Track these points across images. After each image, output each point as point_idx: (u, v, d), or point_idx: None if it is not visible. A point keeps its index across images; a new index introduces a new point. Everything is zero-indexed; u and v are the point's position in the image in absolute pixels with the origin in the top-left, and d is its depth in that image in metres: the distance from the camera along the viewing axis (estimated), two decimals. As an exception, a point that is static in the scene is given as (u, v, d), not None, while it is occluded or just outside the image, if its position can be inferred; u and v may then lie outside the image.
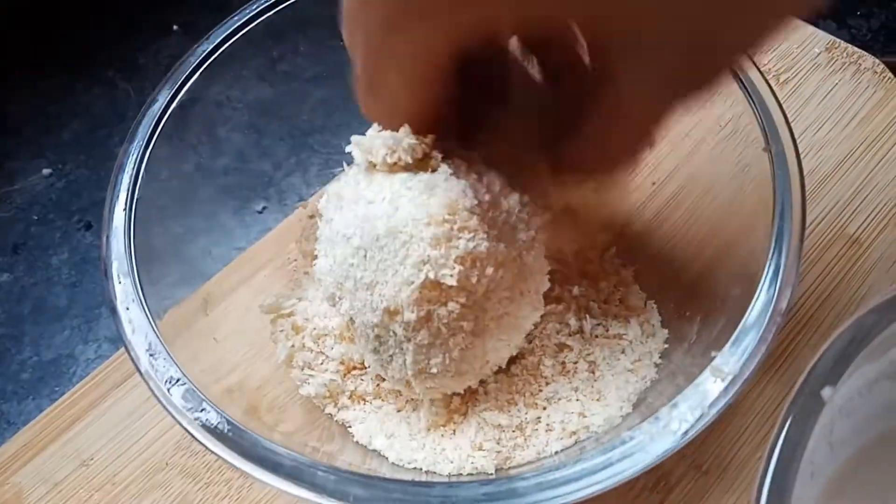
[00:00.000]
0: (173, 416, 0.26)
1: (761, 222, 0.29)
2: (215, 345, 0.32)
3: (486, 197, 0.27)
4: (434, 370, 0.28)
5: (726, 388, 0.24)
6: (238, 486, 0.37)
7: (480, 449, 0.30)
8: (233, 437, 0.25)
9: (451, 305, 0.26)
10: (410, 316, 0.26)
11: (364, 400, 0.34)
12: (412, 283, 0.26)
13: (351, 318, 0.29)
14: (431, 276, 0.26)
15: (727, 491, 0.34)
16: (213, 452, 0.25)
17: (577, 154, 0.27)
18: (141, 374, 0.27)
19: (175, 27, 0.59)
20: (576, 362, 0.32)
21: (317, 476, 0.24)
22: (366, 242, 0.27)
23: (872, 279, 0.39)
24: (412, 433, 0.32)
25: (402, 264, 0.26)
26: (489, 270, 0.26)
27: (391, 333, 0.27)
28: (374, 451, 0.32)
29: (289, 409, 0.34)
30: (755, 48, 0.23)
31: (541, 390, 0.32)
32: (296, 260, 0.40)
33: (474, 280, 0.26)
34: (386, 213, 0.27)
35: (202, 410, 0.26)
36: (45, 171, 0.53)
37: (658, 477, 0.35)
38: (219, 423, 0.25)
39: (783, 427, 0.23)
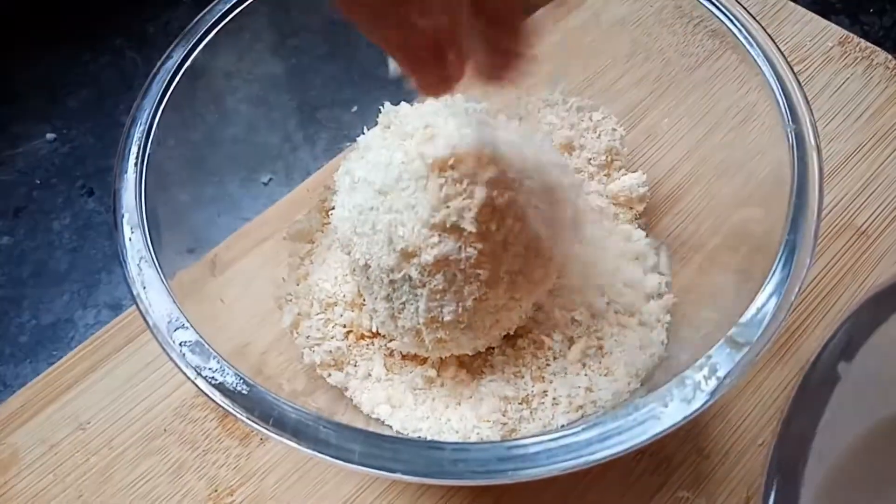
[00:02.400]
0: (181, 369, 0.25)
1: (776, 205, 0.29)
2: (222, 307, 0.32)
3: (521, 152, 0.27)
4: (447, 317, 0.28)
5: (741, 360, 0.24)
6: (236, 454, 0.37)
7: (486, 420, 0.30)
8: (239, 392, 0.25)
9: (469, 251, 0.26)
10: (427, 258, 0.26)
11: (369, 373, 0.34)
12: (431, 223, 0.26)
13: (366, 264, 0.28)
14: (452, 219, 0.26)
15: (728, 475, 0.34)
16: (218, 404, 0.25)
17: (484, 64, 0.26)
18: (149, 326, 0.26)
19: (185, -4, 0.58)
20: (584, 337, 0.32)
21: (328, 434, 0.24)
22: (388, 184, 0.27)
23: (879, 271, 0.39)
24: (417, 403, 0.32)
25: (423, 206, 0.26)
26: (509, 221, 0.26)
27: (406, 278, 0.27)
28: (378, 419, 0.32)
29: (293, 377, 0.34)
30: None
31: (548, 364, 0.32)
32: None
33: (493, 228, 0.26)
34: (411, 155, 0.26)
35: (209, 367, 0.25)
36: (49, 136, 0.52)
37: (660, 460, 0.35)
38: (225, 377, 0.25)
39: (798, 400, 0.23)
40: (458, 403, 0.31)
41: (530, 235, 0.28)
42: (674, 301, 0.34)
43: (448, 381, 0.32)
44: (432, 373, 0.33)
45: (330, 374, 0.34)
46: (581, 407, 0.31)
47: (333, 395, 0.34)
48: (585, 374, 0.32)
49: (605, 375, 0.31)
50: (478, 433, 0.29)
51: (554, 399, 0.31)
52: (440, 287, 0.27)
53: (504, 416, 0.30)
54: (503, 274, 0.28)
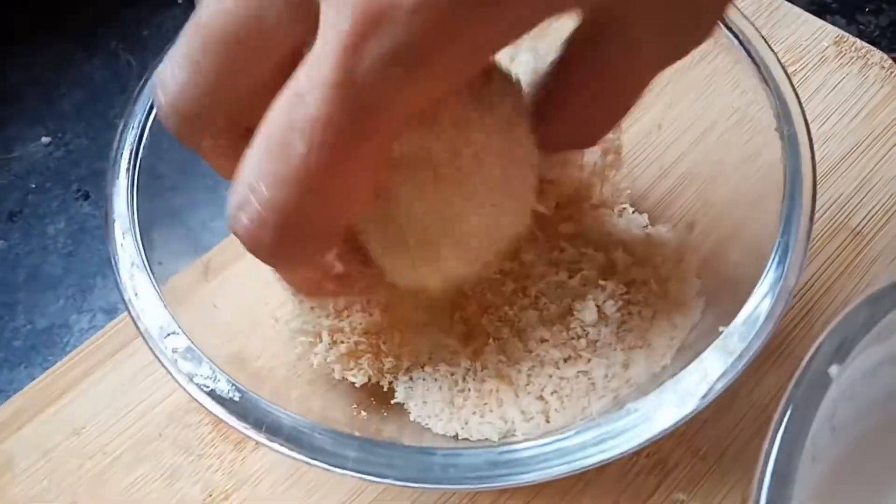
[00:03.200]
0: (172, 376, 0.25)
1: (770, 207, 0.29)
2: (216, 312, 0.32)
3: None
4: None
5: (734, 362, 0.24)
6: (231, 459, 0.37)
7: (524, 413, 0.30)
8: (231, 399, 0.25)
9: None
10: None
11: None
12: None
13: None
14: None
15: (724, 476, 0.34)
16: (210, 412, 0.25)
17: (566, 123, 0.25)
18: (140, 332, 0.26)
19: (179, 0, 0.58)
20: (611, 300, 0.32)
21: (322, 440, 0.23)
22: None
23: (874, 272, 0.39)
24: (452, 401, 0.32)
25: None
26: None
27: None
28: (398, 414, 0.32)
29: (290, 381, 0.34)
30: None
31: (580, 336, 0.31)
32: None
33: None
34: None
35: (201, 373, 0.25)
36: (45, 140, 0.52)
37: (655, 461, 0.35)
38: (217, 384, 0.25)
39: (790, 402, 0.23)
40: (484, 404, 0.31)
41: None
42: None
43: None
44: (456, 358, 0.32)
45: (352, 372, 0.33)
46: (616, 389, 0.30)
47: (336, 395, 0.34)
48: (621, 349, 0.31)
49: (641, 347, 0.31)
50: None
51: (590, 381, 0.30)
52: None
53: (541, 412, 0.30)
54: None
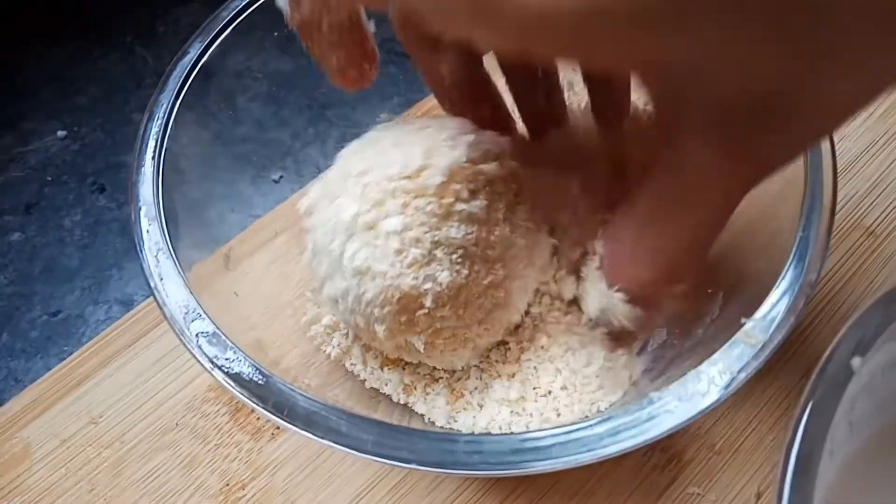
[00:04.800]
0: (196, 359, 0.26)
1: (788, 204, 0.29)
2: (236, 300, 0.32)
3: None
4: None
5: (757, 354, 0.24)
6: (248, 448, 0.37)
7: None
8: (255, 382, 0.25)
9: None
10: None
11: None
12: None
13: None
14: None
15: (739, 471, 0.35)
16: (235, 394, 0.25)
17: (618, 257, 0.24)
18: (165, 316, 0.26)
19: (197, -9, 0.58)
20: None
21: (339, 423, 0.24)
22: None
23: (888, 271, 0.39)
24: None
25: None
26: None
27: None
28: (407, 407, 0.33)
29: (309, 369, 0.34)
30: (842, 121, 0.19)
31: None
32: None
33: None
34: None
35: (226, 357, 0.26)
36: (60, 134, 0.52)
37: (670, 455, 0.35)
38: (241, 368, 0.25)
39: (812, 394, 0.23)
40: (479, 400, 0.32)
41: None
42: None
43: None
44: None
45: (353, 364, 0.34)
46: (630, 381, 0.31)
47: (352, 386, 0.34)
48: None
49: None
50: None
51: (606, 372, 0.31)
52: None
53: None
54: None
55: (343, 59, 0.27)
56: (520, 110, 0.32)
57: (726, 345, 0.24)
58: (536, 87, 0.31)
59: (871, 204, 0.41)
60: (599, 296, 0.25)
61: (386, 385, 0.34)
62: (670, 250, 0.22)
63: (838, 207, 0.41)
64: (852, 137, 0.43)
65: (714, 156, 0.19)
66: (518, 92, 0.31)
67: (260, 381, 0.25)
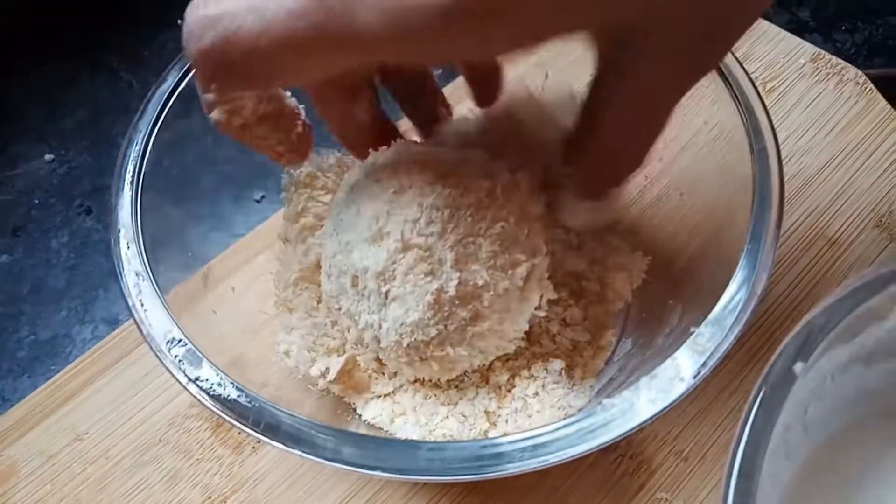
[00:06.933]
0: (175, 377, 0.27)
1: (743, 217, 0.30)
2: (215, 319, 0.33)
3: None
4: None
5: (704, 362, 0.25)
6: (229, 462, 0.38)
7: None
8: (232, 399, 0.26)
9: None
10: None
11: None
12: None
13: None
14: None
15: (706, 476, 0.36)
16: (212, 411, 0.26)
17: (598, 162, 0.28)
18: (144, 337, 0.28)
19: (180, 21, 0.60)
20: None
21: (315, 437, 0.25)
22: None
23: (851, 279, 0.40)
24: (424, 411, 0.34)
25: None
26: None
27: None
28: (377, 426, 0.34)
29: (283, 386, 0.35)
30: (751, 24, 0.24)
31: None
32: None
33: None
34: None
35: (203, 375, 0.27)
36: (48, 157, 0.54)
37: (639, 462, 0.36)
38: (218, 386, 0.26)
39: (756, 399, 0.24)
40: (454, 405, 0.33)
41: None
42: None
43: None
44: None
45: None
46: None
47: (327, 402, 0.35)
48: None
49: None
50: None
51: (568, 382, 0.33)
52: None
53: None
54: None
55: (281, 141, 0.30)
56: (407, 113, 0.36)
57: (677, 352, 0.26)
58: (420, 87, 0.35)
59: (834, 214, 0.43)
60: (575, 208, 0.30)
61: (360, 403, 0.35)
62: (637, 146, 0.27)
63: (802, 219, 0.43)
64: (814, 151, 0.45)
65: (662, 72, 0.24)
66: (404, 96, 0.35)
67: (236, 398, 0.26)
